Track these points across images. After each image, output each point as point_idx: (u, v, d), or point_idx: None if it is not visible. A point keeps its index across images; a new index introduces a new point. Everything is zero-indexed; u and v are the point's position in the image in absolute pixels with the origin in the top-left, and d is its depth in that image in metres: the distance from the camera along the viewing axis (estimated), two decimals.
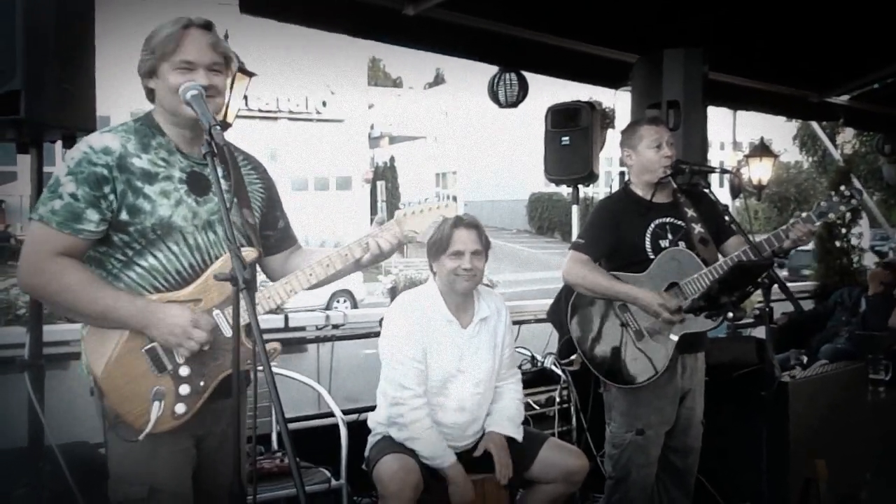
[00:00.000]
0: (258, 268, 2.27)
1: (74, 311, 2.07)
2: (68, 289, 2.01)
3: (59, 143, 2.95)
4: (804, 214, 3.15)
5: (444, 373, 3.08)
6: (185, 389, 2.08)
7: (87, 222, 2.02)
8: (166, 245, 2.10)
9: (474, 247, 3.07)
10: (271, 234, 2.40)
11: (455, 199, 38.91)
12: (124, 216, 2.05)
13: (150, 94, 2.17)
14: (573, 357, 4.14)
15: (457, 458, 3.02)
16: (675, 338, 3.24)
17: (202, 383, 2.10)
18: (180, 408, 2.08)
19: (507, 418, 3.18)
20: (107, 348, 2.05)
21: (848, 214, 8.96)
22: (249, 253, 2.07)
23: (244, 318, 1.87)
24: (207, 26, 2.12)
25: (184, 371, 2.08)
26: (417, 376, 3.02)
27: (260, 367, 1.81)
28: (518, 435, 3.15)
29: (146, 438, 2.04)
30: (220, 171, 1.96)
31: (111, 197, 2.04)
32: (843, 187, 3.19)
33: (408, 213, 2.31)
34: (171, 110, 2.13)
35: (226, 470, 2.18)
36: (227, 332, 2.10)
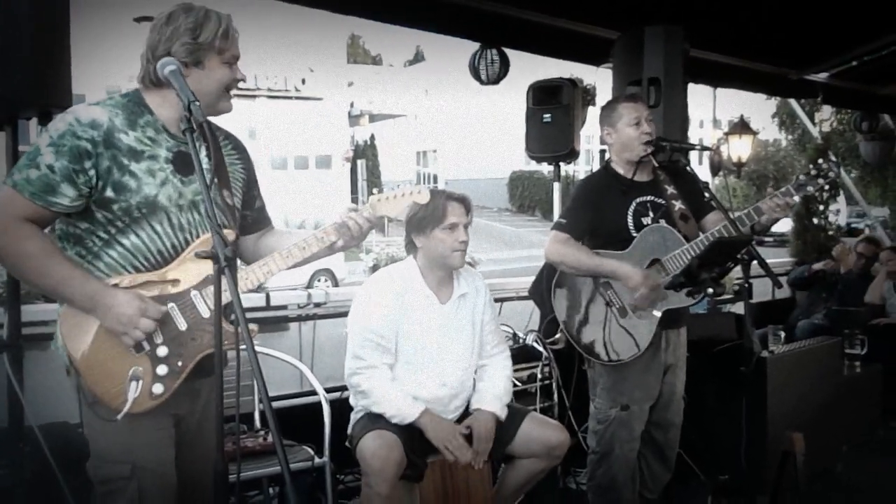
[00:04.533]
0: None
1: (26, 279, 2.06)
2: (25, 257, 1.98)
3: (34, 121, 2.91)
4: (783, 188, 3.17)
5: (423, 348, 3.08)
6: (162, 370, 2.07)
7: (61, 196, 1.98)
8: (150, 224, 2.07)
9: (466, 219, 3.08)
10: (248, 213, 2.39)
11: (435, 177, 38.82)
12: (109, 193, 2.02)
13: (153, 77, 2.08)
14: (557, 336, 4.16)
15: (426, 408, 3.02)
16: (658, 314, 3.26)
17: (180, 364, 2.09)
18: (158, 388, 2.06)
19: (495, 396, 3.17)
20: (85, 327, 2.03)
21: (825, 193, 9.06)
22: (227, 234, 2.05)
23: (224, 298, 1.86)
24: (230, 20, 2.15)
25: (161, 351, 2.07)
26: (375, 349, 3.01)
27: (242, 346, 1.80)
28: (503, 413, 3.16)
29: (126, 417, 2.02)
30: (203, 151, 1.94)
31: (91, 172, 1.99)
32: (820, 160, 3.21)
33: (381, 198, 2.33)
34: (209, 101, 2.11)
35: (206, 449, 2.15)
36: (205, 312, 2.10)
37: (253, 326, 2.02)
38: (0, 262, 2.09)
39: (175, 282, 2.09)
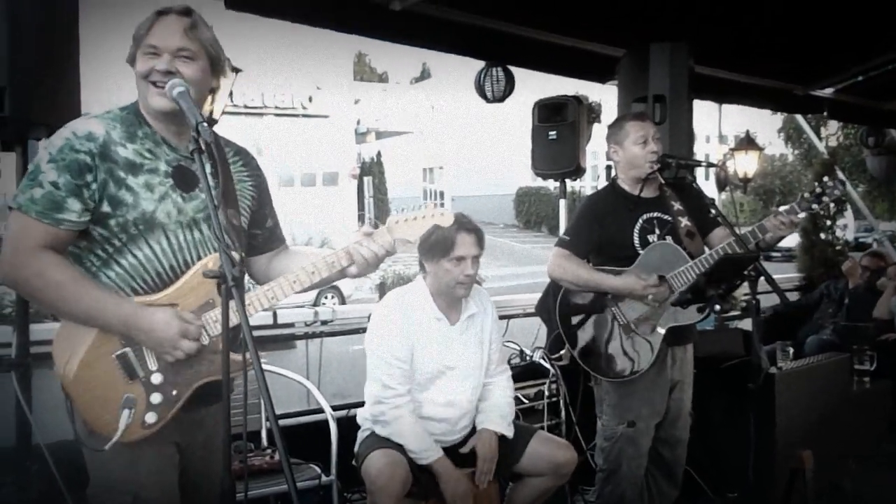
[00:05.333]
0: None
1: (56, 309, 1.98)
2: (51, 287, 1.92)
3: (43, 141, 2.93)
4: (787, 206, 3.16)
5: (433, 369, 3.09)
6: (156, 398, 1.99)
7: (68, 212, 1.92)
8: (147, 242, 2.00)
9: (475, 252, 3.06)
10: (259, 233, 2.30)
11: (442, 194, 38.89)
12: (105, 207, 1.96)
13: None
14: (562, 352, 4.16)
15: (444, 453, 3.03)
16: (662, 331, 3.26)
17: (174, 392, 2.00)
18: (150, 417, 1.98)
19: (500, 416, 3.19)
20: (76, 351, 1.96)
21: (833, 207, 9.04)
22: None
23: (232, 321, 1.81)
24: (186, 12, 2.01)
25: (156, 379, 1.99)
26: (402, 376, 3.03)
27: (250, 366, 1.75)
28: (509, 432, 3.16)
29: (126, 444, 1.96)
30: (208, 169, 1.89)
31: (93, 186, 1.94)
32: (826, 179, 3.21)
33: (400, 220, 2.16)
34: (142, 100, 2.03)
35: (212, 477, 2.03)
36: (204, 339, 2.01)
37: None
38: (25, 296, 2.05)
39: (173, 305, 2.00)
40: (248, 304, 2.06)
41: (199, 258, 2.06)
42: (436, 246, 3.02)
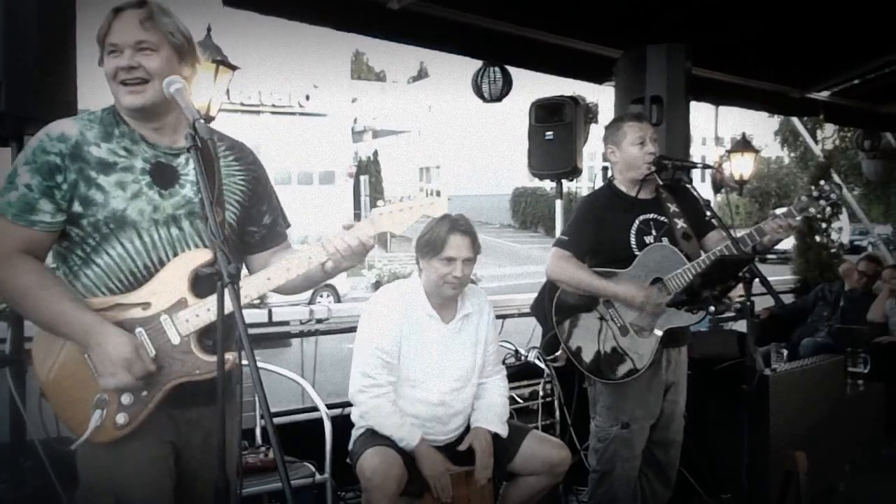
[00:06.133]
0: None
1: (25, 315, 2.01)
2: (20, 291, 1.93)
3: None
4: (784, 209, 3.17)
5: (424, 367, 3.09)
6: (127, 399, 1.96)
7: (41, 213, 1.93)
8: (119, 241, 1.98)
9: (467, 254, 3.07)
10: (255, 230, 2.23)
11: (439, 193, 38.85)
12: (77, 208, 1.96)
13: None
14: (558, 353, 4.16)
15: (423, 438, 3.03)
16: (659, 333, 3.26)
17: (145, 393, 1.97)
18: (121, 418, 1.96)
19: (495, 414, 3.20)
20: (52, 351, 1.97)
21: (828, 209, 9.06)
22: (204, 253, 1.98)
23: (205, 320, 1.81)
24: (140, 4, 1.98)
25: None
26: (383, 367, 3.03)
27: (245, 363, 1.75)
28: (503, 431, 3.17)
29: (112, 444, 1.96)
30: (193, 164, 1.86)
31: (64, 187, 1.94)
32: (822, 182, 3.22)
33: (384, 212, 2.06)
34: (115, 100, 2.02)
35: (210, 479, 1.91)
36: (175, 339, 1.98)
37: (229, 356, 1.85)
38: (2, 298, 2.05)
39: (146, 305, 1.98)
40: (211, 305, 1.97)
41: (177, 254, 2.03)
42: (428, 245, 3.06)
